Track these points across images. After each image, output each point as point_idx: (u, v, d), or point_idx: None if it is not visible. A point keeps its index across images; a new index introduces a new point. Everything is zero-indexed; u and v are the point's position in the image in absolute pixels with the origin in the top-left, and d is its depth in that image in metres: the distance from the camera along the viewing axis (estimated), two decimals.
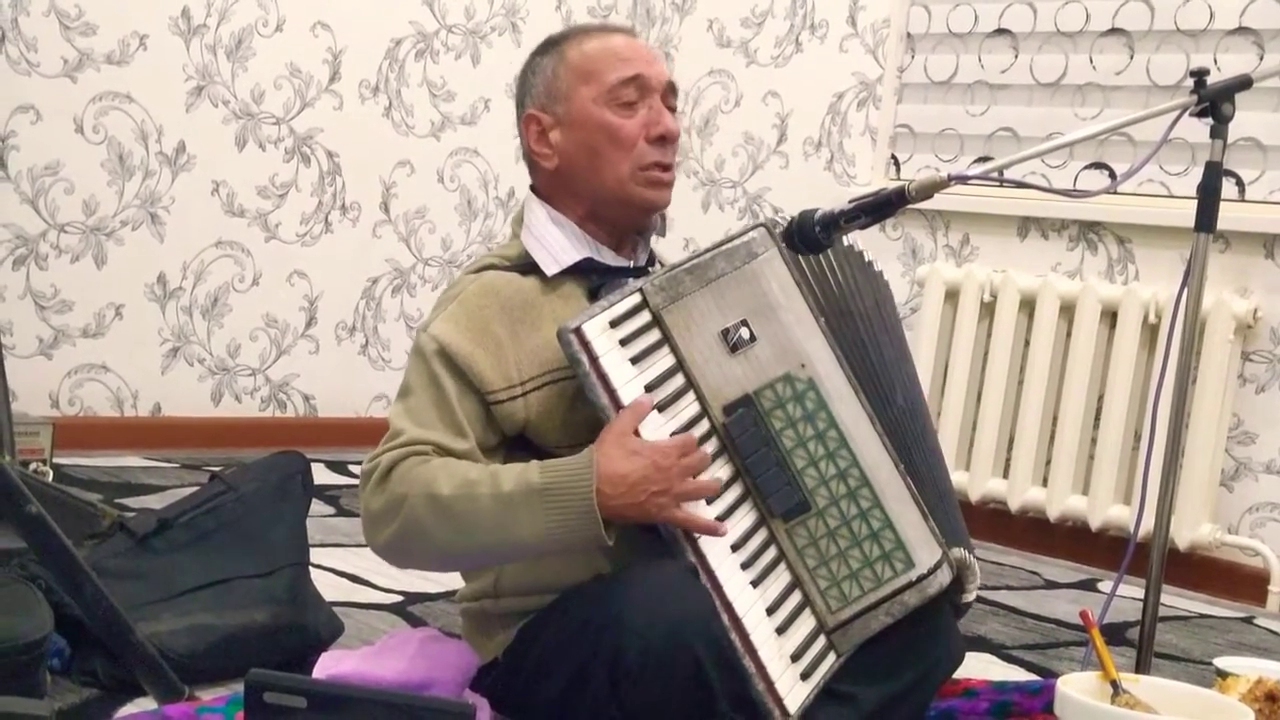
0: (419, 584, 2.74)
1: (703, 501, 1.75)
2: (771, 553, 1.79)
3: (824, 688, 1.79)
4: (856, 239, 2.02)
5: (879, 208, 1.86)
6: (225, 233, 4.01)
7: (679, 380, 1.79)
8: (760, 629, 1.74)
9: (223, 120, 3.96)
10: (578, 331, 1.74)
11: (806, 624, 1.79)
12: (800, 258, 1.89)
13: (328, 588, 2.37)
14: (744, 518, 1.79)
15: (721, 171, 4.47)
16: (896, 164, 4.11)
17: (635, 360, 1.76)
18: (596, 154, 1.87)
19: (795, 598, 1.79)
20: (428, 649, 1.89)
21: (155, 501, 3.07)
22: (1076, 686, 1.87)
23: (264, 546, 2.22)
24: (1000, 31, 3.88)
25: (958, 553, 1.91)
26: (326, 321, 4.22)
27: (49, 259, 3.72)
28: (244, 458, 2.69)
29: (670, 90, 1.92)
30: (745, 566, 1.76)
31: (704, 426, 1.79)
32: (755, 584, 1.76)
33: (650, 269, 1.94)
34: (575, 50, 1.90)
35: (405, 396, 1.81)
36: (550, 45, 1.94)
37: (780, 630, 1.76)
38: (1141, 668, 2.18)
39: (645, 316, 1.79)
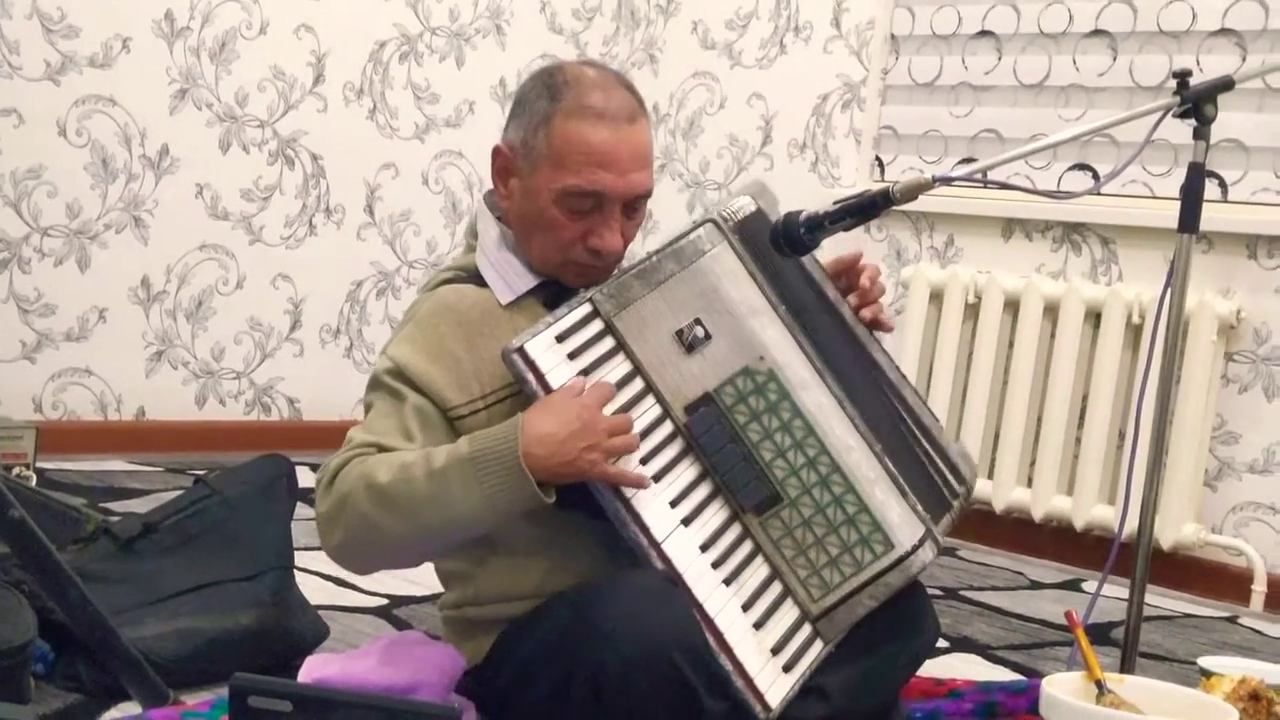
0: (404, 587, 2.74)
1: (635, 449, 1.75)
2: (746, 547, 1.80)
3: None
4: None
5: (864, 209, 1.86)
6: (209, 236, 4.00)
7: (638, 385, 1.79)
8: (735, 626, 1.74)
9: (206, 123, 3.95)
10: (520, 351, 1.74)
11: (788, 615, 1.79)
12: (752, 247, 1.88)
13: (313, 591, 2.37)
14: (715, 515, 1.79)
15: (706, 173, 4.48)
16: (881, 165, 4.12)
17: (586, 372, 1.77)
18: (534, 230, 1.86)
19: (774, 590, 1.79)
20: (413, 652, 1.89)
21: (139, 505, 3.06)
22: (1062, 687, 1.87)
23: (249, 550, 2.22)
24: (984, 33, 3.89)
25: (953, 510, 1.91)
26: (311, 325, 4.21)
27: (32, 263, 3.71)
28: (228, 461, 2.68)
29: (639, 198, 1.86)
30: (717, 565, 1.77)
31: (667, 428, 1.79)
32: (728, 581, 1.76)
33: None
34: (562, 124, 1.83)
35: (364, 417, 1.83)
36: (550, 92, 1.86)
37: (758, 625, 1.76)
38: (1126, 667, 2.19)
39: (597, 325, 1.79)
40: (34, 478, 3.26)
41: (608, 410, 1.74)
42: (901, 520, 1.84)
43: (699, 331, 1.81)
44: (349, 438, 1.78)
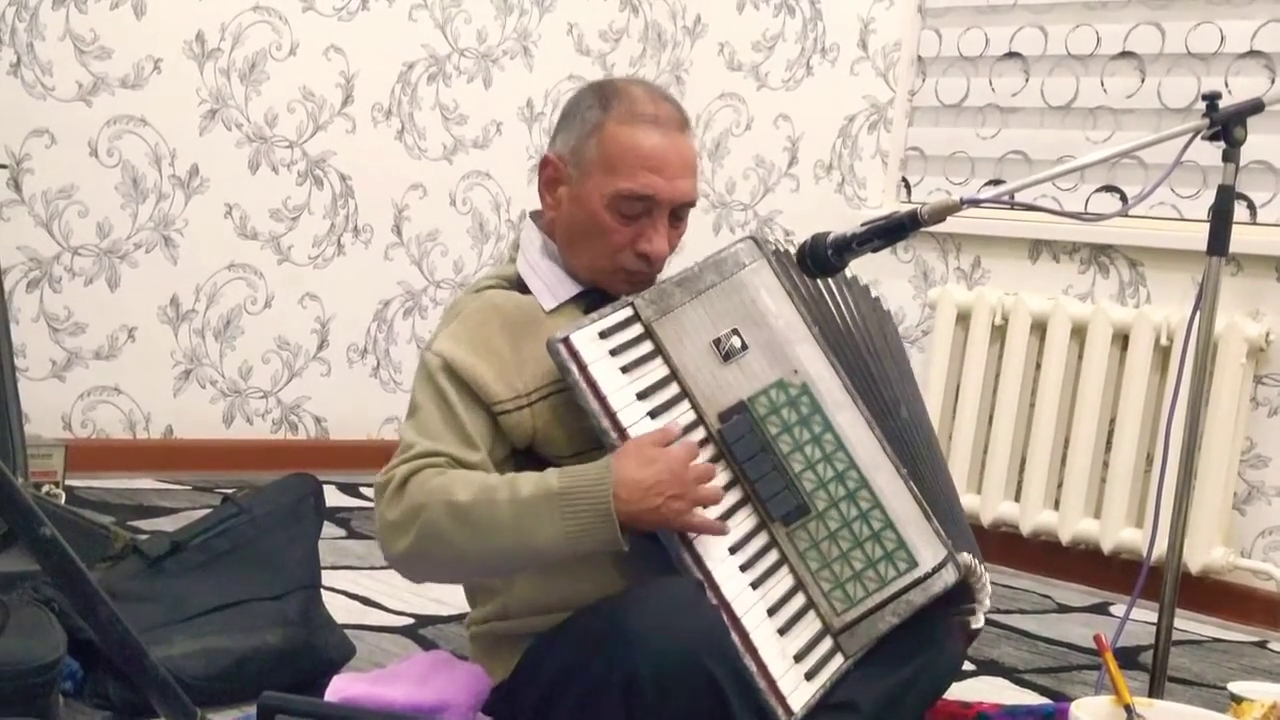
0: (430, 606, 2.74)
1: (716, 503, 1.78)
2: (773, 556, 1.81)
3: (821, 699, 1.78)
4: (857, 271, 2.03)
5: (891, 230, 1.87)
6: (238, 255, 4.02)
7: (673, 389, 1.82)
8: (761, 629, 1.76)
9: (236, 143, 3.98)
10: (565, 341, 1.78)
11: (811, 626, 1.80)
12: (791, 271, 1.91)
13: (339, 610, 2.37)
14: (743, 522, 1.81)
15: (732, 194, 4.48)
16: (907, 187, 4.12)
17: (626, 369, 1.80)
18: (583, 237, 1.90)
19: (798, 600, 1.80)
20: (440, 672, 1.89)
21: (168, 524, 3.08)
22: (1090, 711, 1.87)
23: (276, 569, 2.22)
24: (1011, 55, 3.88)
25: (965, 558, 1.91)
26: (338, 344, 4.23)
27: (62, 281, 3.74)
28: (256, 480, 2.69)
29: (685, 205, 1.92)
30: (745, 568, 1.78)
31: (699, 434, 1.82)
32: (755, 585, 1.78)
33: None
34: (614, 128, 1.88)
35: (414, 414, 1.85)
36: (602, 101, 1.91)
37: (782, 631, 1.77)
38: (1155, 692, 2.18)
39: (637, 329, 1.83)
40: (63, 495, 3.28)
41: None
42: (925, 541, 1.85)
43: (736, 342, 1.85)
44: (408, 443, 1.80)
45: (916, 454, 1.94)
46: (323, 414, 4.21)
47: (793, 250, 1.97)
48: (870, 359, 1.96)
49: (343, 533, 3.35)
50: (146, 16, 3.78)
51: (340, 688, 1.88)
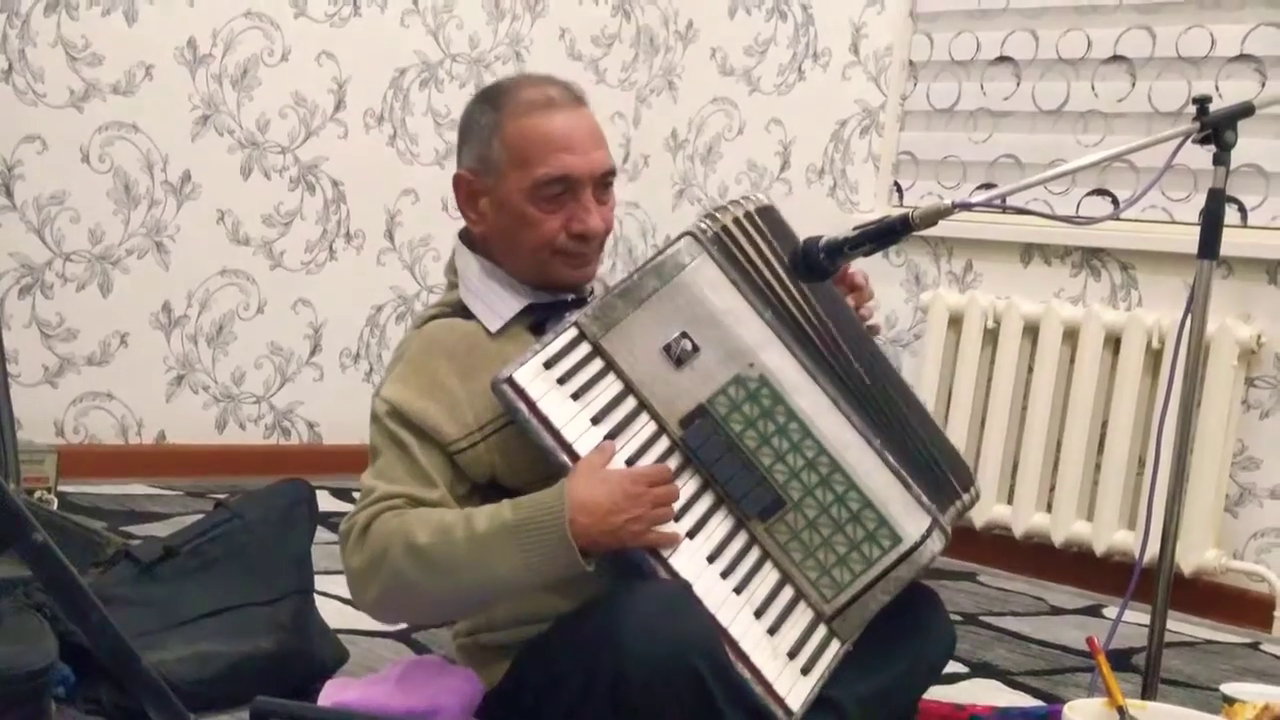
0: None
1: (672, 520, 1.77)
2: (754, 554, 1.81)
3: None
4: (760, 199, 2.02)
5: (883, 235, 1.87)
6: (230, 261, 4.02)
7: (630, 403, 1.81)
8: (750, 634, 1.76)
9: (228, 149, 3.97)
10: (510, 381, 1.76)
11: (802, 618, 1.80)
12: (732, 255, 1.89)
13: (332, 615, 2.37)
14: (720, 525, 1.80)
15: (724, 199, 4.48)
16: (899, 191, 4.12)
17: (577, 395, 1.78)
18: (516, 237, 1.88)
19: (786, 594, 1.80)
20: (433, 677, 1.89)
21: (160, 529, 3.07)
22: (1083, 713, 1.87)
23: (269, 574, 2.22)
24: (1002, 59, 3.89)
25: (959, 503, 1.90)
26: (331, 349, 4.23)
27: (54, 287, 3.73)
28: (249, 485, 2.69)
29: (606, 175, 1.90)
30: (726, 574, 1.78)
31: (664, 444, 1.81)
32: (739, 590, 1.78)
33: (592, 296, 1.95)
34: (514, 124, 1.87)
35: (373, 460, 1.85)
36: (492, 104, 1.91)
37: (773, 630, 1.77)
38: (1148, 694, 2.18)
39: (585, 348, 1.81)
40: (55, 501, 3.27)
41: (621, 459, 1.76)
42: (906, 513, 1.85)
43: (686, 344, 1.83)
44: (368, 488, 1.81)
45: (885, 406, 1.92)
46: (315, 419, 4.21)
47: (753, 205, 1.95)
48: (815, 315, 1.92)
49: (335, 538, 3.34)
50: (138, 23, 3.78)
51: (333, 693, 1.88)
